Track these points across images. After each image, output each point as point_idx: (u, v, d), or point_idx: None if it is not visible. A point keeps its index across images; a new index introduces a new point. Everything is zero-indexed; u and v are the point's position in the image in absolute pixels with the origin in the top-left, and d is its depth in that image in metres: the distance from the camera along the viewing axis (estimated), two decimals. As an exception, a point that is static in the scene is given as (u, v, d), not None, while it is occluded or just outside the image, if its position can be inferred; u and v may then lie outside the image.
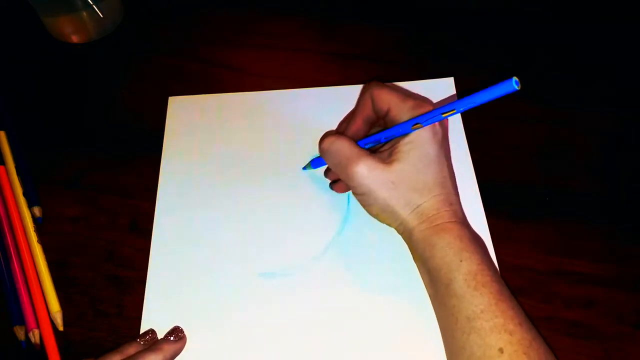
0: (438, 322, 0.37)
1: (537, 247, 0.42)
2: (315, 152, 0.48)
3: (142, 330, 0.40)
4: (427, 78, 0.52)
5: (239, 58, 0.55)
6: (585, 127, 0.49)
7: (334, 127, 0.48)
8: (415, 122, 0.36)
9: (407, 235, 0.38)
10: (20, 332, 0.41)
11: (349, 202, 0.45)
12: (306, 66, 0.54)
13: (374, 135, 0.40)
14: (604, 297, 0.41)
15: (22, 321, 0.41)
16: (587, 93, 0.51)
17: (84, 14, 0.55)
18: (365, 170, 0.36)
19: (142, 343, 0.39)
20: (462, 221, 0.37)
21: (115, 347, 0.38)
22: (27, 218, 0.46)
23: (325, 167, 0.46)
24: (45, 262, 0.44)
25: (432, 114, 0.36)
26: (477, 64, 0.53)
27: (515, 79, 0.31)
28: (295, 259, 0.43)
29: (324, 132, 0.48)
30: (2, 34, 0.59)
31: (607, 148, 0.48)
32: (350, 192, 0.46)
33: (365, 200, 0.38)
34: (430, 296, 0.38)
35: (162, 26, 0.59)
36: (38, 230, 0.45)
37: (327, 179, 0.46)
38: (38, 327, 0.41)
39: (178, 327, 0.40)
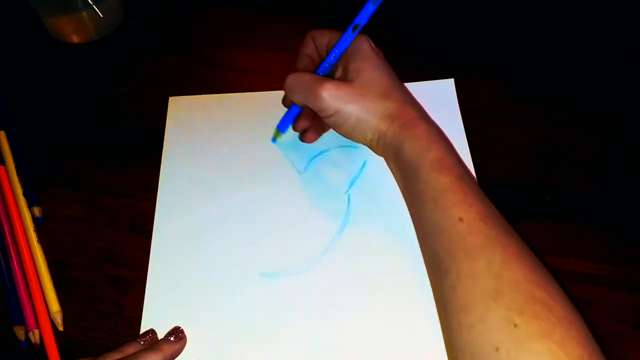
0: (409, 212, 0.40)
1: (537, 247, 0.42)
2: (315, 152, 0.48)
3: (142, 330, 0.40)
4: (427, 78, 0.52)
5: (240, 58, 0.55)
6: (585, 127, 0.49)
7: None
8: (354, 24, 0.41)
9: (382, 140, 0.40)
10: (20, 332, 0.41)
11: (349, 202, 0.45)
12: (306, 66, 0.54)
13: (324, 61, 0.43)
14: (604, 297, 0.41)
15: (22, 321, 0.41)
16: (587, 93, 0.51)
17: (84, 14, 0.55)
18: (333, 88, 0.39)
19: (142, 343, 0.39)
20: (427, 118, 0.41)
21: (115, 347, 0.38)
22: (27, 218, 0.46)
23: (290, 128, 0.47)
24: (45, 262, 0.44)
25: (365, 9, 0.41)
26: (477, 64, 0.53)
27: None
28: (296, 259, 0.43)
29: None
30: (2, 34, 0.59)
31: (607, 148, 0.48)
32: (350, 192, 0.46)
33: (339, 119, 0.40)
34: (402, 191, 0.41)
35: (162, 26, 0.59)
36: (38, 230, 0.45)
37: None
38: (38, 327, 0.41)
39: (178, 327, 0.40)
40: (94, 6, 0.54)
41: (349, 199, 0.45)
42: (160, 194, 0.47)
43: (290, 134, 0.48)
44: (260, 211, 0.45)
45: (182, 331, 0.40)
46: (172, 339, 0.39)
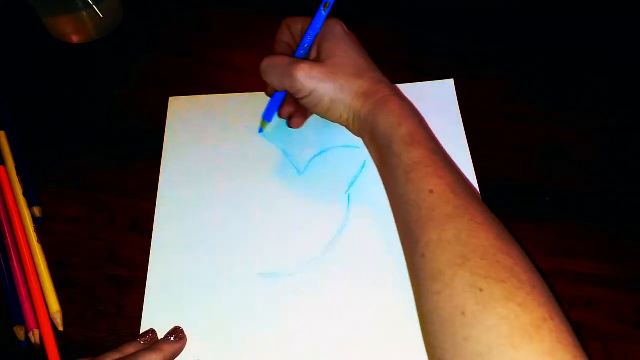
0: (384, 186, 0.41)
1: (537, 247, 0.42)
2: (315, 152, 0.48)
3: (142, 330, 0.40)
4: (427, 78, 0.52)
5: (240, 58, 0.55)
6: (585, 127, 0.49)
7: (333, 126, 0.48)
8: (324, 2, 0.42)
9: (357, 118, 0.41)
10: (20, 332, 0.41)
11: (349, 202, 0.45)
12: (306, 66, 0.54)
13: (300, 44, 0.44)
14: (604, 297, 0.41)
15: (22, 321, 0.41)
16: (587, 93, 0.51)
17: (84, 14, 0.55)
18: (307, 68, 0.41)
19: (142, 343, 0.39)
20: (400, 94, 0.42)
21: (115, 347, 0.38)
22: (27, 218, 0.46)
23: (276, 115, 0.48)
24: (45, 262, 0.44)
25: None
26: (477, 64, 0.53)
27: None
28: (296, 259, 0.43)
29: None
30: (2, 34, 0.59)
31: (607, 148, 0.48)
32: (350, 192, 0.46)
33: (314, 99, 0.41)
34: (377, 167, 0.42)
35: (162, 26, 0.59)
36: (38, 230, 0.45)
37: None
38: (38, 327, 0.41)
39: (178, 327, 0.40)
40: (94, 6, 0.55)
41: (349, 199, 0.45)
42: (160, 194, 0.47)
43: (286, 132, 0.48)
44: (260, 211, 0.45)
45: (182, 331, 0.40)
46: (172, 338, 0.39)
